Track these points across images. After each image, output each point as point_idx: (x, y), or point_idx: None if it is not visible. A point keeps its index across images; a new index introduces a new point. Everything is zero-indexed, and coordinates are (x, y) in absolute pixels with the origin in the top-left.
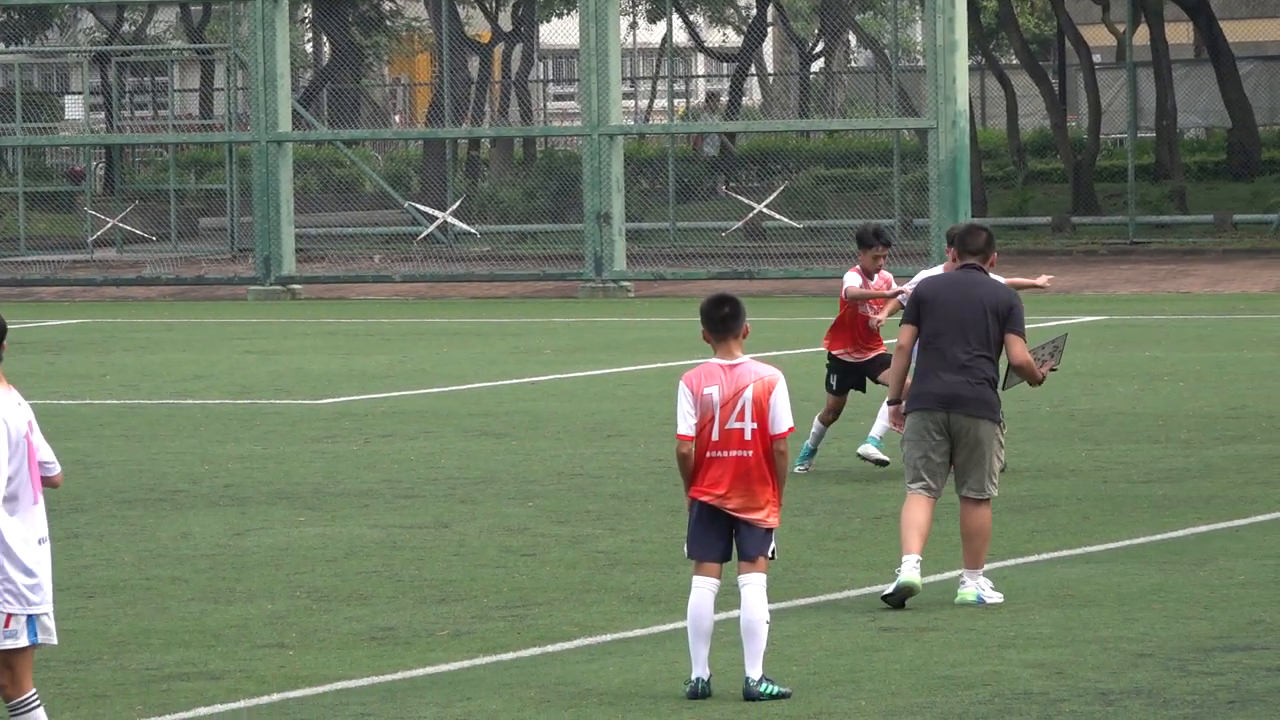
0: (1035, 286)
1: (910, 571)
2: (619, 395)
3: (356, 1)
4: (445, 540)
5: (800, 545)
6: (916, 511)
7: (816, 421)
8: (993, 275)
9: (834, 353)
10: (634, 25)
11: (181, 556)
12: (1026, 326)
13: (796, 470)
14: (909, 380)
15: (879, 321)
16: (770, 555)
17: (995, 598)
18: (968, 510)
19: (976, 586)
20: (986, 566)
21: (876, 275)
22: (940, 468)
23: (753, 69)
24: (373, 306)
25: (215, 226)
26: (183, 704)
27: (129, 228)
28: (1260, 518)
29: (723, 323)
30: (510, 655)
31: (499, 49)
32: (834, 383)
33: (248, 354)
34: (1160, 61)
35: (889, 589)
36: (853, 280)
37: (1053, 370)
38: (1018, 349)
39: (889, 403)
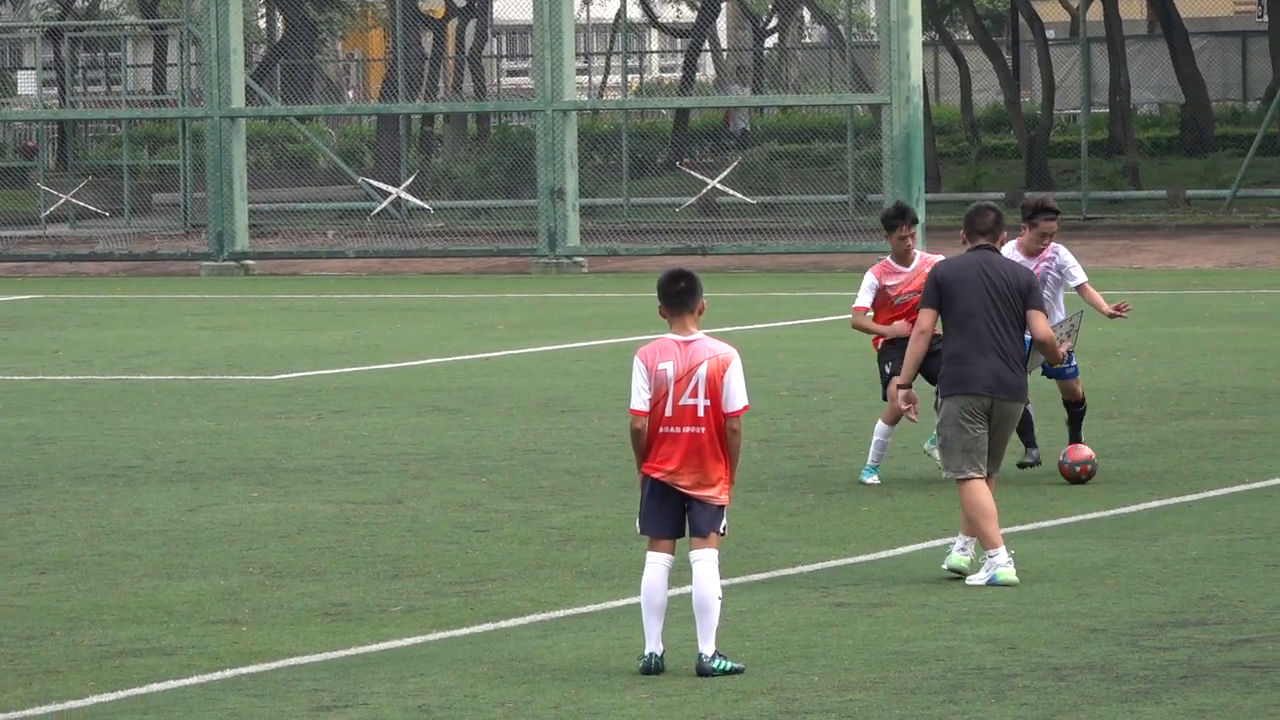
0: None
1: (1009, 567)
2: (572, 371)
3: None
4: (398, 516)
5: (753, 521)
6: (985, 497)
7: (880, 424)
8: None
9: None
10: (588, 1)
11: (134, 532)
12: None
13: (867, 480)
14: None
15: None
16: (721, 531)
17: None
18: (988, 486)
19: (967, 556)
20: (938, 542)
21: (914, 260)
22: (984, 450)
23: (706, 44)
24: (326, 282)
25: (169, 202)
26: (135, 680)
27: (82, 203)
28: (1213, 493)
29: (678, 298)
30: (463, 631)
31: (453, 24)
32: (890, 369)
33: (201, 330)
34: (1114, 37)
35: (981, 581)
36: (864, 298)
37: (1070, 351)
38: (1041, 324)
39: (900, 386)
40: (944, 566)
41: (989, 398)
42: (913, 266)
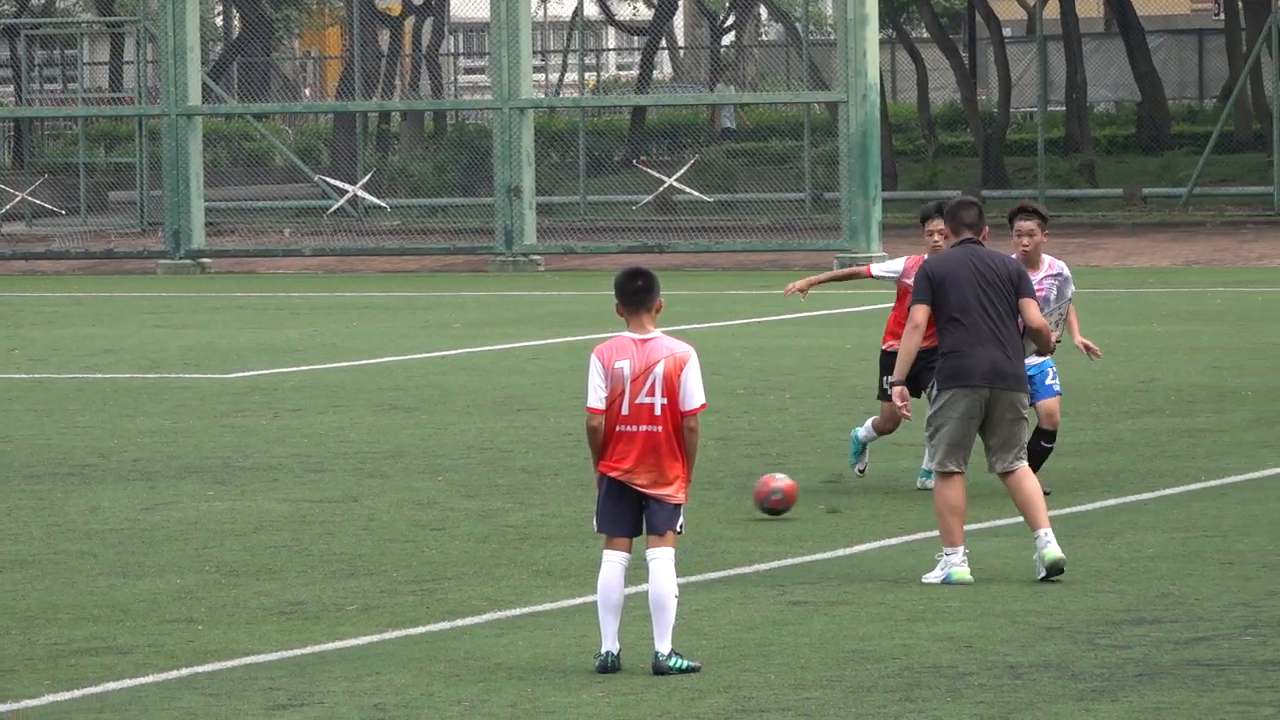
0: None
1: (964, 566)
2: (529, 369)
3: None
4: (354, 515)
5: (710, 519)
6: (959, 496)
7: (869, 427)
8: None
9: (884, 348)
10: None
11: (90, 531)
12: None
13: (855, 470)
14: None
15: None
16: (678, 530)
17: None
18: (1021, 478)
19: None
20: (894, 540)
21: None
22: (970, 445)
23: (663, 42)
24: (282, 280)
25: (125, 200)
26: (91, 679)
27: (38, 201)
28: (1168, 491)
29: (636, 296)
30: (419, 630)
31: (409, 22)
32: (889, 382)
33: (157, 328)
34: (1070, 35)
35: (935, 579)
36: (880, 267)
37: (1058, 341)
38: (1034, 312)
39: (893, 383)
40: (1048, 562)
41: (987, 388)
42: None
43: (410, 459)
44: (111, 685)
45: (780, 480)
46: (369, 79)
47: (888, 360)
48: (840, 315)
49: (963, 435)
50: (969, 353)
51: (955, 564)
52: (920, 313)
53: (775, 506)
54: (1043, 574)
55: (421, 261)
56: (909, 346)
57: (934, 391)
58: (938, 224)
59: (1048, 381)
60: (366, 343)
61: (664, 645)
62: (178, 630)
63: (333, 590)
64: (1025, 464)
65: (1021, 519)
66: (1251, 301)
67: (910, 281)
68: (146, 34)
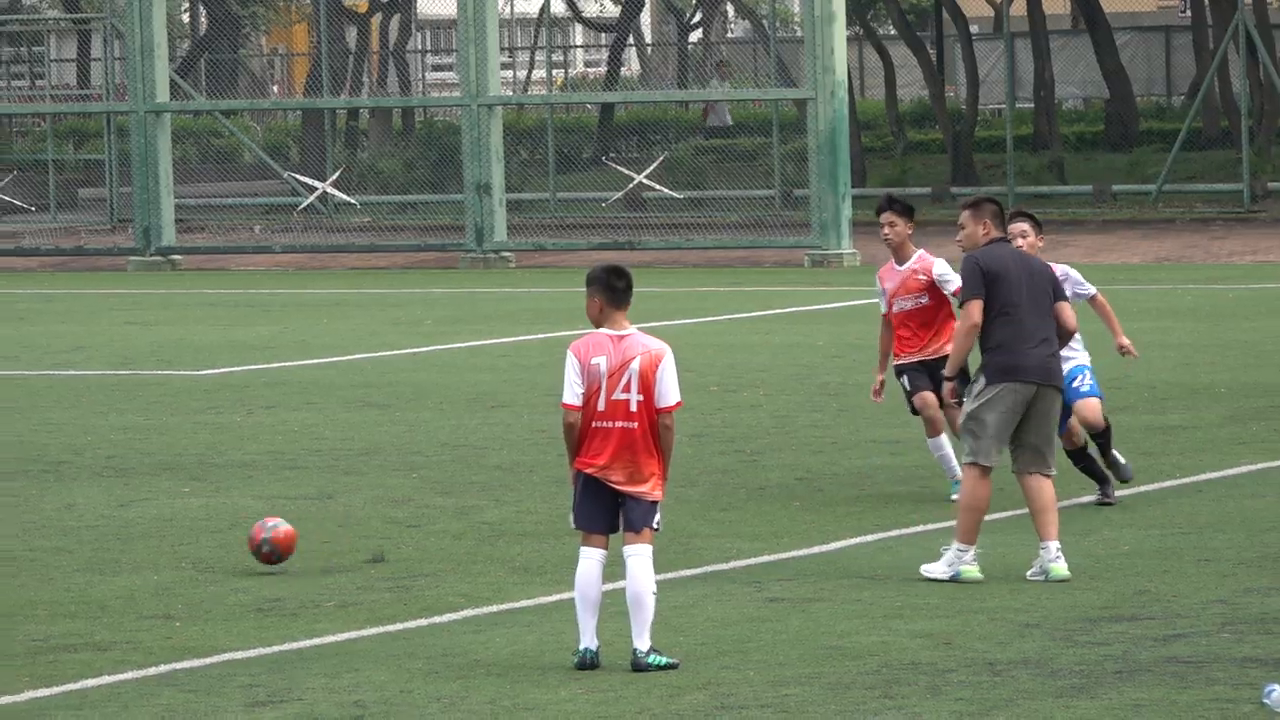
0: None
1: (974, 565)
2: (501, 366)
3: None
4: (330, 511)
5: (686, 516)
6: (988, 494)
7: (929, 441)
8: None
9: (896, 364)
10: None
11: (66, 528)
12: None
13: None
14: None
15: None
16: (655, 527)
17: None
18: (1043, 485)
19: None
20: (870, 537)
21: (909, 259)
22: (1007, 441)
23: (631, 39)
24: (253, 277)
25: (94, 197)
26: (70, 675)
27: (7, 198)
28: (1144, 488)
29: (621, 294)
30: (397, 626)
31: (377, 19)
32: (908, 383)
33: (128, 325)
34: (1038, 32)
35: (939, 574)
36: (882, 304)
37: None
38: (1070, 316)
39: (946, 378)
40: (1052, 577)
41: (1036, 385)
42: (906, 267)
43: (385, 456)
44: (90, 682)
45: (275, 529)
46: (337, 76)
47: (910, 371)
48: (812, 312)
49: (1008, 431)
50: (1020, 349)
51: (967, 561)
52: (977, 309)
53: (267, 559)
54: (1040, 579)
55: (392, 258)
56: (964, 347)
57: (979, 385)
58: (888, 216)
59: (1085, 384)
60: (338, 339)
61: (642, 642)
62: (155, 627)
63: (309, 587)
64: (1051, 473)
65: (996, 516)
66: (1222, 298)
67: (886, 287)
68: (113, 31)
